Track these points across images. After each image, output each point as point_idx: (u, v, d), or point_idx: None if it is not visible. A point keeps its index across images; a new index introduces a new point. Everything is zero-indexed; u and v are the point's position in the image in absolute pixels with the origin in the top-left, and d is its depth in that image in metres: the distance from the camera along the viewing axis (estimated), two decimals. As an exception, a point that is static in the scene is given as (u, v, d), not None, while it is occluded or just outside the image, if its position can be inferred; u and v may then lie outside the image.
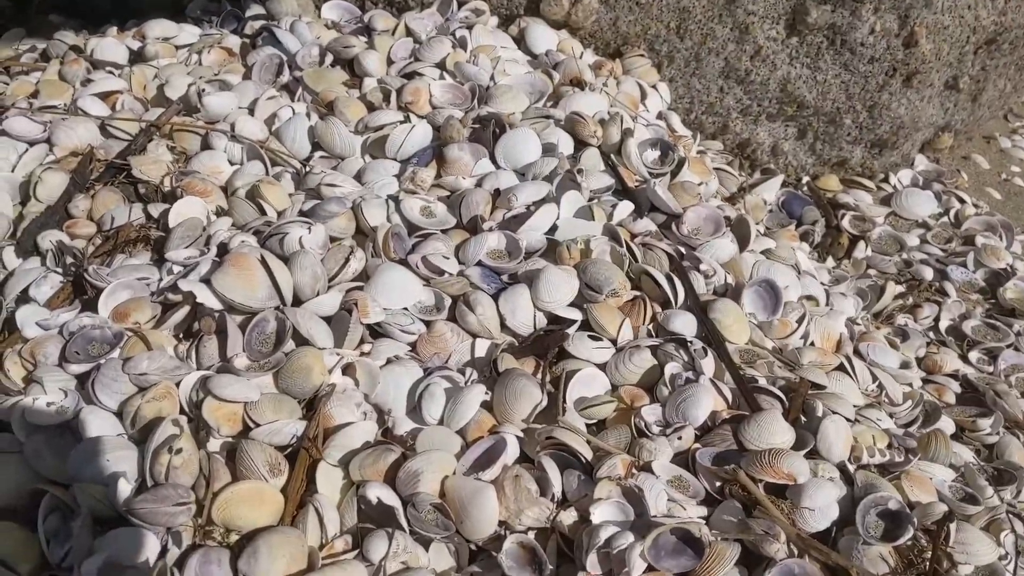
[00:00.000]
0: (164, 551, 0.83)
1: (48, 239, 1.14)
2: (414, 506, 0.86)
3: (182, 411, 0.93)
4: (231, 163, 1.28)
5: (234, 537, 0.84)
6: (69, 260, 1.10)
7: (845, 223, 1.58)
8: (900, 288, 1.48)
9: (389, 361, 1.02)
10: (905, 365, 1.24)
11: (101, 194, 1.21)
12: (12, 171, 1.28)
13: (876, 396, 1.12)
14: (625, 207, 1.21)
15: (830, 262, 1.55)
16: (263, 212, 1.16)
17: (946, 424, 1.12)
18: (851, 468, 0.94)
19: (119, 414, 0.91)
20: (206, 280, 1.00)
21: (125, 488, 0.84)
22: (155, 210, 1.18)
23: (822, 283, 1.32)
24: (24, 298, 1.07)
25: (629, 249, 1.14)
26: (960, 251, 1.58)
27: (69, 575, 0.79)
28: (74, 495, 0.84)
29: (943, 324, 1.41)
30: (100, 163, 1.27)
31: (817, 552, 0.83)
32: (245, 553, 0.80)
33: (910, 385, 1.21)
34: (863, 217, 1.60)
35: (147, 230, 1.14)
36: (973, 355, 1.34)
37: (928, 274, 1.51)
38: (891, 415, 1.08)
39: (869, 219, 1.60)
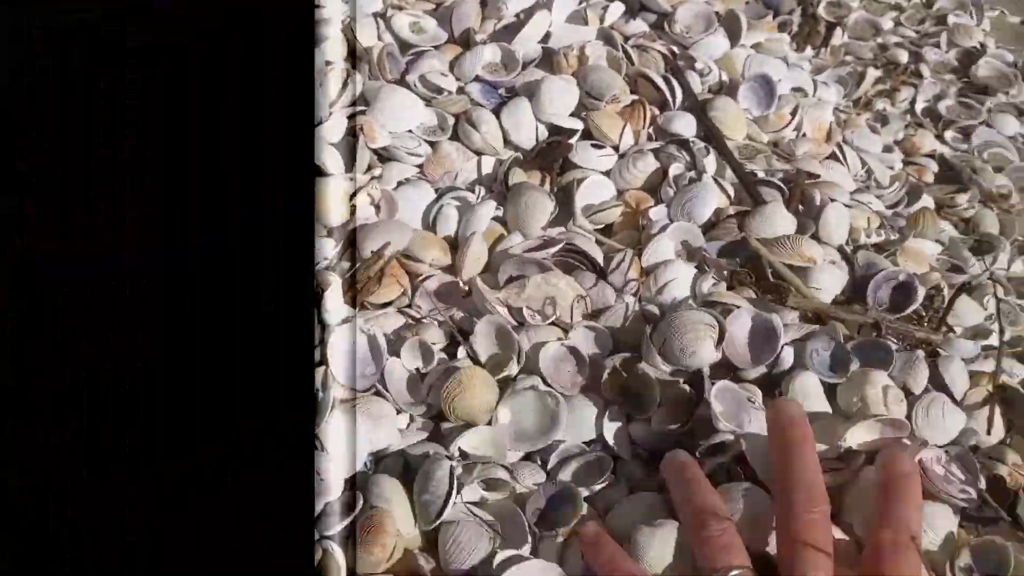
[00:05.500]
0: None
1: None
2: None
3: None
4: None
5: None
6: None
7: (821, 10, 1.56)
8: (878, 73, 1.50)
9: (400, 184, 1.03)
10: (887, 149, 1.29)
11: None
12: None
13: (865, 181, 1.17)
14: (616, 8, 1.19)
15: (808, 52, 1.55)
16: (249, 40, 1.11)
17: (927, 202, 1.18)
18: (848, 250, 1.00)
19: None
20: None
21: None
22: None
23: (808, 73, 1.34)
24: None
25: (625, 53, 1.13)
26: (933, 31, 1.59)
27: None
28: None
29: (919, 106, 1.43)
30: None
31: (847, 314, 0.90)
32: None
33: (892, 167, 1.25)
34: (838, 3, 1.59)
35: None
36: (948, 134, 1.38)
37: (903, 57, 1.53)
38: (879, 197, 1.14)
39: (844, 4, 1.60)
